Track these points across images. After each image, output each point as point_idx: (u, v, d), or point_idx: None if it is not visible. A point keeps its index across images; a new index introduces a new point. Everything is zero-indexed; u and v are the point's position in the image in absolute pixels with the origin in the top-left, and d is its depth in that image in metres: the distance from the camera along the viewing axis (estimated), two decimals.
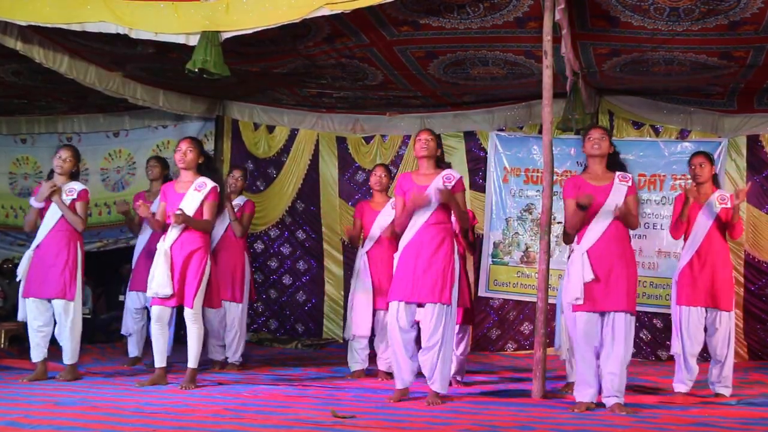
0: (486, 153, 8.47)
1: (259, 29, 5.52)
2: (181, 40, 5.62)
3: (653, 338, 8.02)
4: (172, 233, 5.31)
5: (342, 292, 8.72)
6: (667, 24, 5.81)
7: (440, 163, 5.16)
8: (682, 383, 5.44)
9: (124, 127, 9.37)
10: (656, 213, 7.97)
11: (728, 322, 5.43)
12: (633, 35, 6.09)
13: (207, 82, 6.34)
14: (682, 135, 8.11)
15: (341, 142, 9.02)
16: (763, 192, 7.98)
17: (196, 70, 5.45)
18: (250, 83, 7.95)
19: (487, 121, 8.53)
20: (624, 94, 8.05)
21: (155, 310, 5.34)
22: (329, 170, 9.01)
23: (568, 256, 4.94)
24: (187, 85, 8.00)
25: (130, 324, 6.62)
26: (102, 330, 8.51)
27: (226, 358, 6.54)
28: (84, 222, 5.59)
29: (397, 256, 5.03)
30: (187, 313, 5.32)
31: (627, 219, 4.75)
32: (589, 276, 4.64)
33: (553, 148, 5.46)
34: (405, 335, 4.89)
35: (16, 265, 8.94)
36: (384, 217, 6.09)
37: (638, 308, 7.81)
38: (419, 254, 4.89)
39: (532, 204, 8.24)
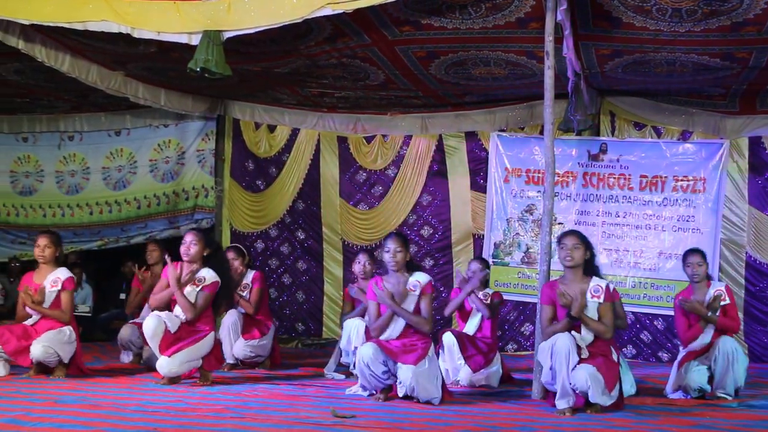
0: (487, 153, 8.47)
1: (261, 29, 5.54)
2: (183, 39, 5.64)
3: (654, 340, 8.02)
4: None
5: (341, 292, 8.71)
6: (669, 25, 5.81)
7: (411, 267, 5.12)
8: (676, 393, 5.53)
9: (126, 125, 9.37)
10: (657, 214, 7.96)
11: (731, 345, 5.37)
12: (635, 36, 6.09)
13: (208, 81, 6.34)
14: (684, 136, 8.11)
15: (342, 141, 9.02)
16: (765, 194, 7.97)
17: (198, 69, 5.47)
18: (251, 83, 7.95)
19: (488, 122, 8.52)
20: (626, 95, 8.05)
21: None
22: (330, 170, 9.00)
23: None
24: (189, 85, 8.00)
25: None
26: (102, 328, 8.52)
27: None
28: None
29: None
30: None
31: (594, 328, 4.62)
32: (584, 354, 4.58)
33: (555, 149, 5.46)
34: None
35: (19, 263, 9.00)
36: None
37: (639, 310, 7.97)
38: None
39: (533, 205, 8.24)
